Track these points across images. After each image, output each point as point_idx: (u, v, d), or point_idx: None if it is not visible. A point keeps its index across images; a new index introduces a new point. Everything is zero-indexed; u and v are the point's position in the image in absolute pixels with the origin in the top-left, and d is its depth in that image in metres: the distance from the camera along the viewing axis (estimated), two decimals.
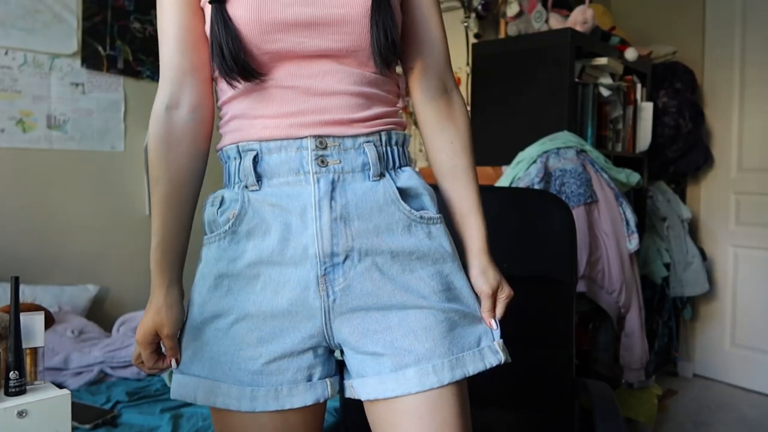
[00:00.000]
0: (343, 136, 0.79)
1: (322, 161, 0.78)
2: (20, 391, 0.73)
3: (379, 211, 0.79)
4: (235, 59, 0.76)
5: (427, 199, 0.84)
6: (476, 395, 0.91)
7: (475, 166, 0.91)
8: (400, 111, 0.89)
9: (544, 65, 2.35)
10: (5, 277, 1.91)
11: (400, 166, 0.84)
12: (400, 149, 0.85)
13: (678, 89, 2.99)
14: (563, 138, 2.18)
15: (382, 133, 0.82)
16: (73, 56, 2.14)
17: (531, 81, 2.38)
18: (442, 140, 0.89)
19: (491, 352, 0.82)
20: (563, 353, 1.28)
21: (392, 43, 0.78)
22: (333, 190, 0.78)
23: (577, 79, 2.36)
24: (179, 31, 0.81)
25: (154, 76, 2.35)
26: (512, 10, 2.56)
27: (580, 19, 2.42)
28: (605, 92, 2.48)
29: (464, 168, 0.89)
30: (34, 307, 1.76)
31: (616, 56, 2.58)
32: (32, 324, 0.77)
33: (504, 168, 2.34)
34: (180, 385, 0.84)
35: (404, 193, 0.81)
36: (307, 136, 0.78)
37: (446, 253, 0.83)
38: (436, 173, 0.91)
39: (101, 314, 2.19)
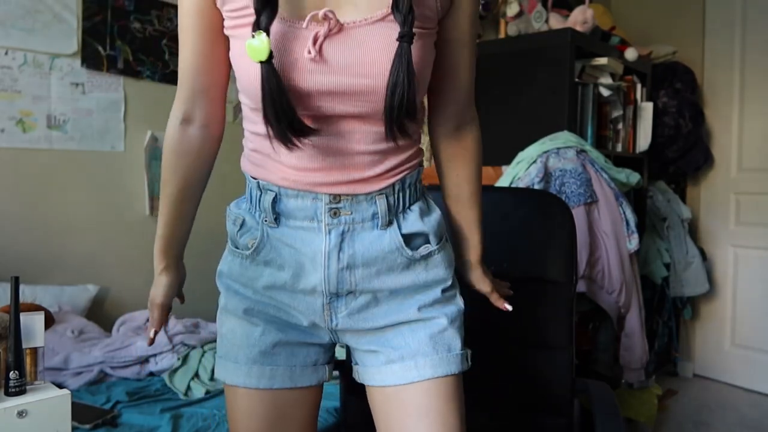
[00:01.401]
0: (357, 194, 0.83)
1: (335, 213, 0.82)
2: (20, 391, 0.73)
3: (383, 259, 0.85)
4: (291, 123, 0.75)
5: (432, 236, 0.87)
6: (477, 396, 0.91)
7: (479, 192, 0.98)
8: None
9: (544, 65, 2.35)
10: (5, 277, 1.91)
11: (410, 206, 0.87)
12: (412, 189, 0.87)
13: (678, 89, 2.99)
14: (563, 138, 2.18)
15: (396, 184, 0.85)
16: (73, 56, 2.14)
17: (531, 81, 2.38)
18: (451, 170, 0.97)
19: (463, 359, 0.89)
20: (564, 354, 1.28)
21: (405, 112, 0.76)
22: (342, 241, 0.83)
23: (577, 79, 2.36)
24: (195, 56, 0.85)
25: (154, 76, 2.35)
26: (512, 10, 2.56)
27: (580, 19, 2.42)
28: (605, 92, 2.48)
29: (468, 195, 0.97)
30: (34, 307, 1.76)
31: (616, 56, 2.57)
32: (32, 324, 0.77)
33: (504, 168, 2.34)
34: (217, 365, 0.94)
35: (409, 238, 0.86)
36: (323, 193, 0.82)
37: (440, 279, 0.89)
38: (442, 193, 0.99)
39: (101, 314, 2.19)
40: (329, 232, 0.83)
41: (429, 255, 0.87)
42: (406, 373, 0.86)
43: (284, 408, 0.92)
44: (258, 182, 0.85)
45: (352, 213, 0.83)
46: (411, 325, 0.88)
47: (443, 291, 0.89)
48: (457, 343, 0.88)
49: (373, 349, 0.89)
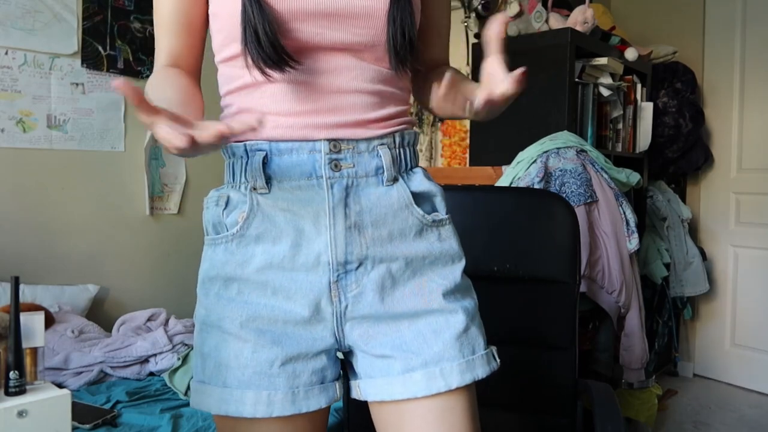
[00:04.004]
0: (358, 139, 0.76)
1: (336, 165, 0.75)
2: (20, 391, 0.73)
3: (393, 217, 0.78)
4: (273, 45, 0.71)
5: (439, 200, 0.84)
6: (479, 396, 0.91)
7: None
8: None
9: (544, 65, 2.34)
10: (5, 277, 1.91)
11: (411, 168, 0.82)
12: (411, 150, 0.83)
13: (678, 89, 2.99)
14: (563, 138, 2.17)
15: (396, 135, 0.80)
16: (73, 56, 2.14)
17: (531, 81, 2.36)
18: (431, 80, 0.87)
19: (492, 357, 0.82)
20: (566, 354, 1.28)
21: (409, 41, 0.75)
22: (347, 196, 0.76)
23: (577, 79, 2.36)
24: (174, 14, 0.80)
25: None
26: (512, 10, 2.56)
27: (580, 19, 2.42)
28: (605, 92, 2.48)
29: (450, 72, 0.84)
30: (34, 307, 1.76)
31: (616, 56, 2.57)
32: (32, 324, 0.77)
33: (504, 168, 2.34)
34: (195, 393, 0.80)
35: (417, 197, 0.80)
36: (320, 139, 0.75)
37: (455, 254, 0.83)
38: (428, 99, 0.88)
39: (101, 314, 2.19)
40: (331, 187, 0.75)
41: (440, 223, 0.82)
42: (430, 383, 0.75)
43: None
44: (245, 145, 0.76)
45: (354, 166, 0.76)
46: (431, 321, 0.78)
47: (462, 275, 0.83)
48: (480, 342, 0.80)
49: (386, 354, 0.78)
